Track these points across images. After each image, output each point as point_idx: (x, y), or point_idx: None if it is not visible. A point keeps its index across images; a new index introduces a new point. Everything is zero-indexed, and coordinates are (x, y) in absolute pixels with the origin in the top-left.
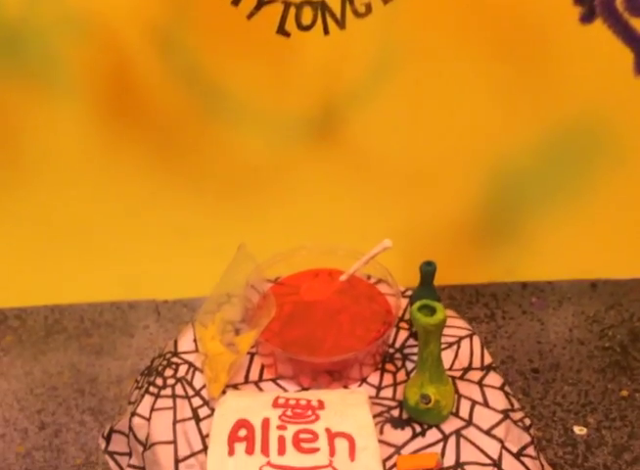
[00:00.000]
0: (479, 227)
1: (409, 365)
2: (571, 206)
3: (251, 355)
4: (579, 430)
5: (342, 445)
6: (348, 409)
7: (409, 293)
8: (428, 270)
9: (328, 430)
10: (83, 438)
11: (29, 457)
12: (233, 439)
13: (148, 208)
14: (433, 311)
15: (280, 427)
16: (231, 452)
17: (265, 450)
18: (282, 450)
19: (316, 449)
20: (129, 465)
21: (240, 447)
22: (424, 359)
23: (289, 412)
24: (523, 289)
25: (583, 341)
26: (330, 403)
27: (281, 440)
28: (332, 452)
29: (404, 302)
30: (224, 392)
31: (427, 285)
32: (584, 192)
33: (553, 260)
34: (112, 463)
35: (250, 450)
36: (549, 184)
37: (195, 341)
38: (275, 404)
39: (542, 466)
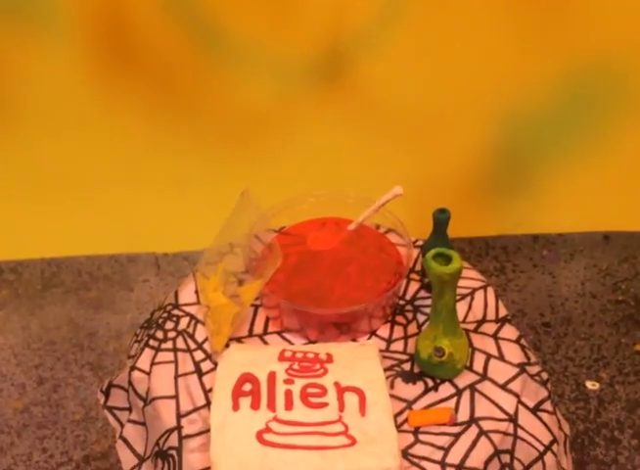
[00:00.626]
0: (489, 177)
1: (420, 318)
2: (584, 155)
3: (255, 308)
4: (592, 385)
5: (351, 399)
6: (358, 363)
7: (420, 243)
8: (441, 218)
9: (337, 384)
10: (82, 393)
11: (27, 413)
12: (237, 393)
13: (147, 156)
14: (448, 260)
15: (287, 381)
16: (235, 407)
17: (272, 405)
18: (289, 405)
19: (325, 404)
20: (129, 420)
21: (245, 402)
22: (438, 311)
23: (296, 366)
24: (533, 241)
25: (596, 294)
26: (339, 357)
27: (288, 394)
28: (341, 407)
29: (415, 252)
30: (227, 345)
31: (440, 234)
32: (598, 140)
33: (565, 212)
34: (111, 418)
35: (255, 405)
36: (562, 132)
37: (196, 292)
38: (281, 358)
39: (559, 421)
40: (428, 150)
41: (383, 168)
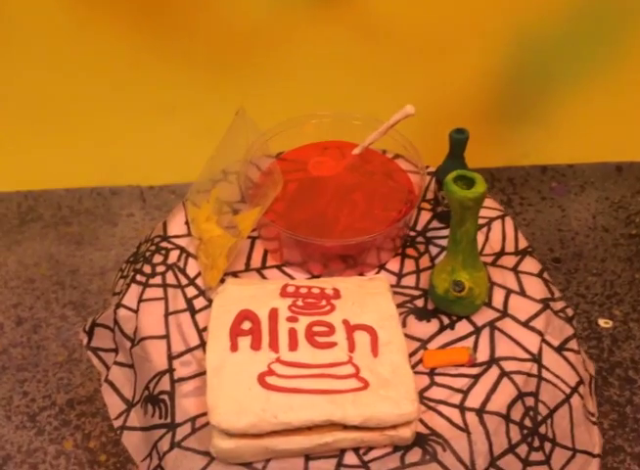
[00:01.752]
0: (495, 104)
1: (433, 250)
2: (596, 81)
3: (252, 240)
4: (605, 323)
5: (362, 338)
6: (368, 299)
7: (432, 169)
8: (459, 139)
9: (346, 322)
10: (65, 334)
11: (6, 354)
12: (236, 332)
13: (131, 80)
14: (469, 185)
15: (290, 319)
16: (234, 348)
17: (274, 345)
18: (294, 345)
19: (333, 344)
20: (115, 362)
21: (244, 342)
22: (457, 241)
23: (300, 302)
24: (542, 173)
25: (608, 228)
26: (346, 292)
27: (292, 333)
28: (351, 347)
29: (427, 179)
30: (222, 280)
31: (457, 157)
32: (612, 65)
33: (575, 142)
34: (95, 360)
35: (256, 345)
36: (574, 55)
37: (187, 223)
38: (283, 293)
39: (584, 361)
40: (430, 73)
41: (389, 89)
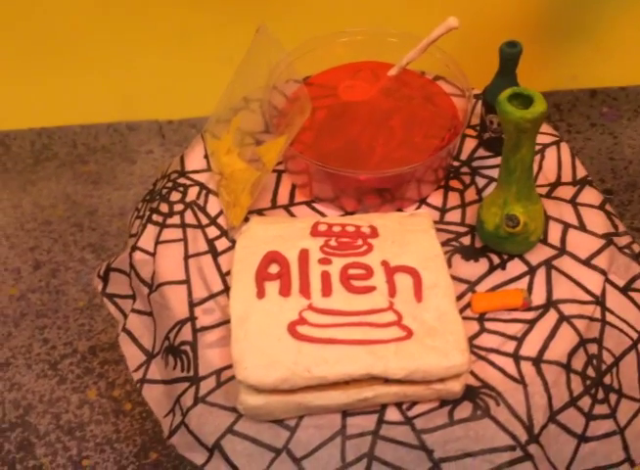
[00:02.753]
0: (541, 20)
1: (480, 182)
2: None
3: (279, 174)
4: None
5: (404, 281)
6: (409, 236)
7: (477, 92)
8: (511, 53)
9: (385, 263)
10: (85, 278)
11: (24, 300)
12: (262, 277)
13: (144, 7)
14: (525, 104)
15: (323, 261)
16: (261, 294)
17: (305, 291)
18: (327, 290)
19: (371, 288)
20: (133, 310)
21: (272, 288)
22: (511, 169)
23: (333, 242)
24: (591, 97)
25: None
26: (385, 230)
27: (325, 277)
28: (392, 292)
29: (472, 102)
30: (247, 219)
31: (508, 75)
32: None
33: (628, 62)
34: (112, 308)
35: (285, 291)
36: None
37: (206, 157)
38: (314, 232)
39: None
40: None
41: (427, 2)
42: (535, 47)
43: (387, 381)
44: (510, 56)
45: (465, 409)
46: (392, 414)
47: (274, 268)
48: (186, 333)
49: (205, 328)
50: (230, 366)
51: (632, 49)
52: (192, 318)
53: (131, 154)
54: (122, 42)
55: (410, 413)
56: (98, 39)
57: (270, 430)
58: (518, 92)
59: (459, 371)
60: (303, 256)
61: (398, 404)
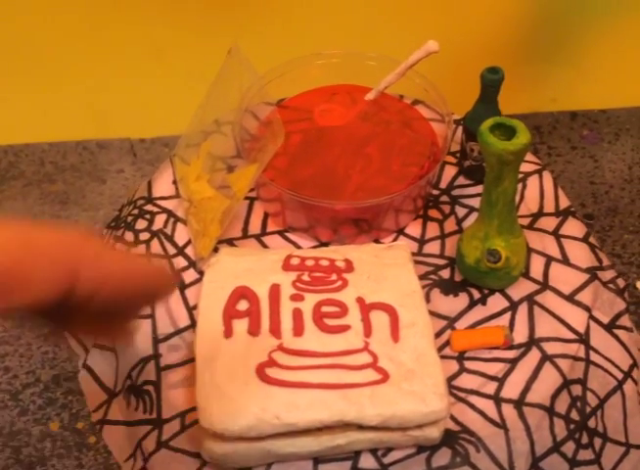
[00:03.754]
0: (521, 44)
1: (460, 211)
2: (633, 17)
3: (251, 201)
4: None
5: (380, 320)
6: (386, 271)
7: (457, 117)
8: (492, 80)
9: (360, 300)
10: None
11: None
12: (230, 314)
13: (116, 22)
14: (508, 134)
15: (295, 297)
16: (228, 333)
17: (276, 330)
18: (299, 330)
19: (346, 327)
20: (95, 345)
21: (240, 326)
22: (492, 202)
23: (305, 277)
24: (572, 120)
25: None
26: (361, 264)
27: (297, 315)
28: (367, 331)
29: (453, 128)
30: (216, 249)
31: (489, 102)
32: None
33: (609, 84)
34: (73, 341)
35: (254, 330)
36: None
37: (175, 183)
38: (286, 266)
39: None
40: (456, 3)
41: (407, 23)
42: (515, 69)
43: (361, 427)
44: (491, 82)
45: (443, 456)
46: (367, 461)
47: (243, 305)
48: (149, 371)
49: (169, 367)
50: (195, 408)
51: (612, 71)
52: (156, 355)
53: (101, 173)
54: (94, 57)
55: (386, 460)
56: (68, 54)
57: None
58: (500, 122)
59: (438, 417)
60: (274, 291)
61: (373, 451)
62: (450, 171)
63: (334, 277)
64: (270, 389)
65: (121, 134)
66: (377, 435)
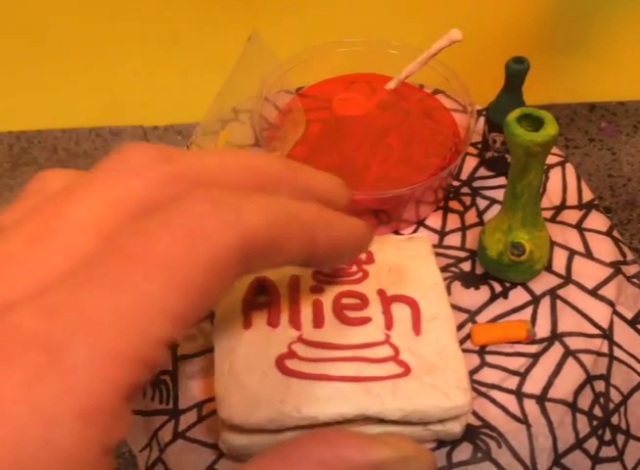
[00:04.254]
0: (540, 34)
1: (481, 203)
2: None
3: None
4: None
5: (401, 313)
6: (407, 263)
7: (478, 107)
8: (517, 70)
9: (381, 292)
10: None
11: None
12: (250, 305)
13: (130, 7)
14: (534, 126)
15: (315, 289)
16: (247, 324)
17: (296, 322)
18: (319, 321)
19: (367, 320)
20: None
21: (260, 318)
22: (517, 195)
23: None
24: (590, 111)
25: None
26: (381, 255)
27: (317, 306)
28: (388, 324)
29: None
30: None
31: (514, 92)
32: None
33: (628, 77)
34: None
35: (273, 321)
36: None
37: None
38: None
39: None
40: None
41: (430, 11)
42: (534, 59)
43: (381, 420)
44: (517, 72)
45: (464, 451)
46: None
47: (263, 296)
48: (166, 362)
49: (186, 357)
50: (212, 399)
51: (632, 64)
52: (173, 346)
53: None
54: (107, 43)
55: None
56: (81, 39)
57: None
58: (527, 113)
59: (460, 412)
60: (294, 283)
61: None
62: (471, 163)
63: (354, 269)
64: (290, 381)
65: (134, 121)
66: (397, 428)
